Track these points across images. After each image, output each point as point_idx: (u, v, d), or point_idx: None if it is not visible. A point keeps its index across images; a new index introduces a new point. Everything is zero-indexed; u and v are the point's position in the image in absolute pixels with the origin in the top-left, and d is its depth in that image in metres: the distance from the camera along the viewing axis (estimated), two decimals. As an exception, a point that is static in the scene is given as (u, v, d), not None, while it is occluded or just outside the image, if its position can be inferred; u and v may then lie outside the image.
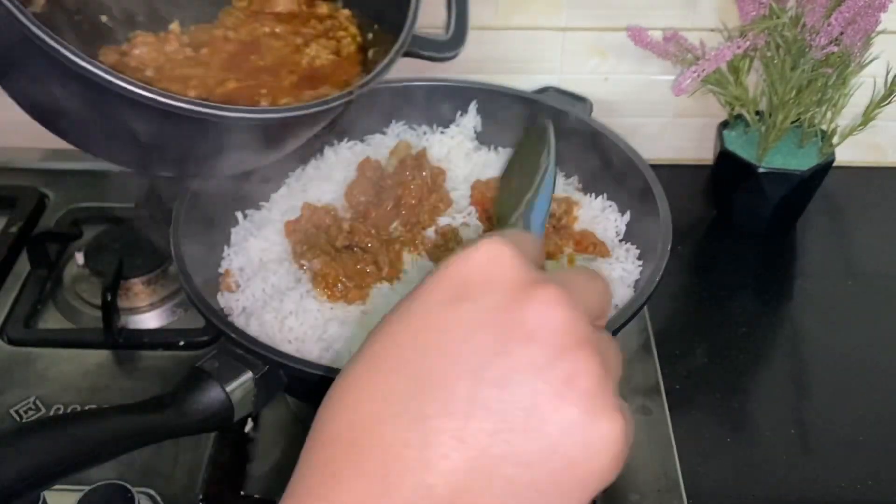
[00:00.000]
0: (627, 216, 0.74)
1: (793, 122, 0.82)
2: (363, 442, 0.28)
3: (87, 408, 0.69)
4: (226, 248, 0.73)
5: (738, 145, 0.85)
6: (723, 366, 0.75)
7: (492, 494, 0.28)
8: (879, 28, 0.74)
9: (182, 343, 0.75)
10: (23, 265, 0.82)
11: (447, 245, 0.70)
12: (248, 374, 0.55)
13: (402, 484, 0.27)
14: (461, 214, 0.73)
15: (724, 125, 0.88)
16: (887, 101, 0.80)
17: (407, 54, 0.61)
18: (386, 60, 0.58)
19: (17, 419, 0.68)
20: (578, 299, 0.30)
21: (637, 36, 0.79)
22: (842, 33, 0.74)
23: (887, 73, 0.78)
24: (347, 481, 0.28)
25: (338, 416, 0.30)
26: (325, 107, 0.54)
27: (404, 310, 0.30)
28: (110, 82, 0.46)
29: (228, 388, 0.54)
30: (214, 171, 0.58)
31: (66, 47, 0.45)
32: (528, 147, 0.55)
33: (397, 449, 0.28)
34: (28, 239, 0.82)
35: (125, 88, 0.46)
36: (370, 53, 0.64)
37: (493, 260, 0.30)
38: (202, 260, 0.68)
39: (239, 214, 0.75)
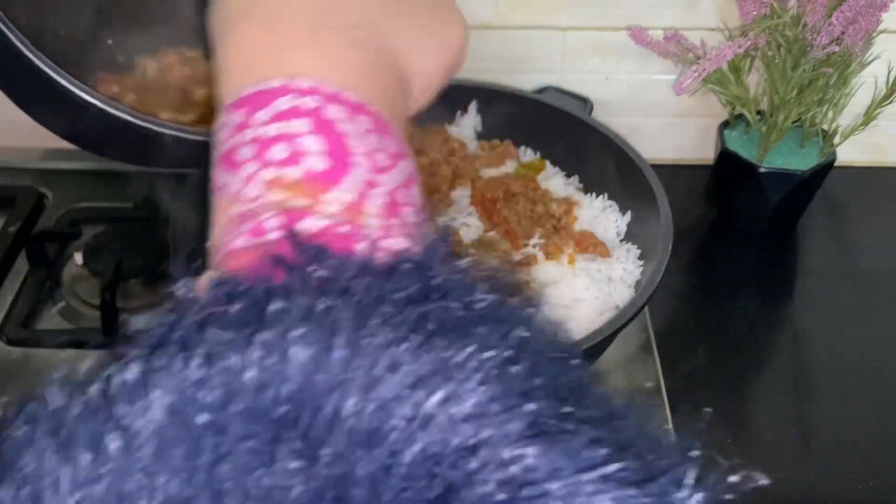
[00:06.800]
0: (628, 216, 0.74)
1: (794, 122, 0.81)
2: None
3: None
4: (225, 248, 0.73)
5: (739, 145, 0.85)
6: (723, 366, 0.75)
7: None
8: (880, 27, 0.74)
9: (181, 343, 0.74)
10: (21, 265, 0.81)
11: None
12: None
13: None
14: (461, 214, 0.73)
15: (725, 125, 0.88)
16: (888, 101, 0.80)
17: None
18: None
19: (16, 420, 0.68)
20: None
21: (637, 35, 0.79)
22: (843, 33, 0.74)
23: (888, 72, 0.78)
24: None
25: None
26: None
27: None
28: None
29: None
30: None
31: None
32: None
33: None
34: (27, 239, 0.82)
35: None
36: None
37: None
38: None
39: (238, 214, 0.75)
